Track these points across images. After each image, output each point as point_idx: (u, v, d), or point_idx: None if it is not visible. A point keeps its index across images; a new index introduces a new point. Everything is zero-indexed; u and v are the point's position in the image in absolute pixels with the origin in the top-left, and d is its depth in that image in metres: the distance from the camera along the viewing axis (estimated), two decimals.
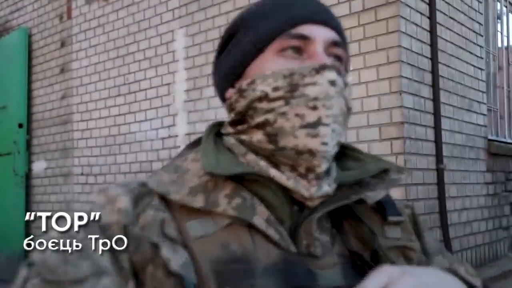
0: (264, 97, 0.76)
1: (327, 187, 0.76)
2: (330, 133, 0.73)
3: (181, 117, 4.77)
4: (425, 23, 3.79)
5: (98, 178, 5.55)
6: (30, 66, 6.50)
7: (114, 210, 0.71)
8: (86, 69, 5.75)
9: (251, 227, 0.72)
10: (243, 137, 0.80)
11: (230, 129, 0.83)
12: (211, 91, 4.48)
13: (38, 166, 6.39)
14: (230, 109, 0.83)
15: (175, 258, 0.67)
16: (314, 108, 0.73)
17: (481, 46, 4.70)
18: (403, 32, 3.51)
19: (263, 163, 0.77)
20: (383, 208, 0.82)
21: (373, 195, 0.78)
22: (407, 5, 3.58)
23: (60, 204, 6.01)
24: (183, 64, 4.76)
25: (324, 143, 0.73)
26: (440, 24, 3.97)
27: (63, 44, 6.08)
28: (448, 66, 4.09)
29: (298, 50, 0.78)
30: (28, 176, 6.46)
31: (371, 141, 3.54)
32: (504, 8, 5.61)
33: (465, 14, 4.43)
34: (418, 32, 3.70)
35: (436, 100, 3.80)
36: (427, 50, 3.79)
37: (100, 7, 5.61)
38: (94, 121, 5.64)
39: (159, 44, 4.99)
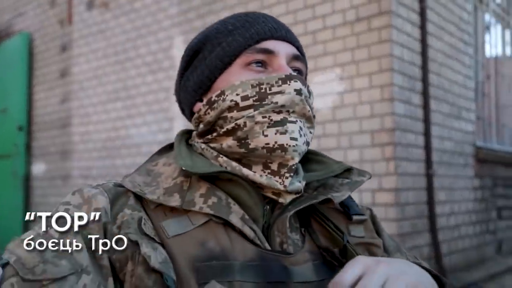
0: (234, 106, 0.79)
1: (298, 183, 0.80)
2: (298, 129, 0.78)
3: (179, 121, 4.86)
4: (417, 33, 3.90)
5: (96, 181, 5.61)
6: (31, 70, 6.58)
7: (91, 210, 0.73)
8: (86, 73, 5.84)
9: (226, 225, 0.74)
10: (213, 145, 0.83)
11: (198, 140, 0.87)
12: None
13: (38, 168, 6.46)
14: (199, 121, 0.86)
15: (155, 255, 0.68)
16: (279, 112, 0.78)
17: (470, 56, 4.82)
18: (395, 42, 3.62)
19: (235, 164, 0.79)
20: (347, 208, 0.85)
21: (339, 195, 0.82)
22: (399, 15, 3.69)
23: None
24: None
25: (294, 138, 0.77)
26: (431, 34, 4.08)
27: (63, 49, 6.17)
28: (438, 75, 4.20)
29: (263, 64, 0.82)
30: (27, 178, 6.53)
31: (363, 147, 3.64)
32: (493, 19, 5.75)
33: (455, 25, 4.55)
34: (410, 42, 3.81)
35: (426, 107, 3.90)
36: (418, 59, 3.90)
37: (101, 13, 5.72)
38: (93, 124, 5.73)
39: (158, 50, 5.09)
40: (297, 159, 0.78)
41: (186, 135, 0.90)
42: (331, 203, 0.82)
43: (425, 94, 3.91)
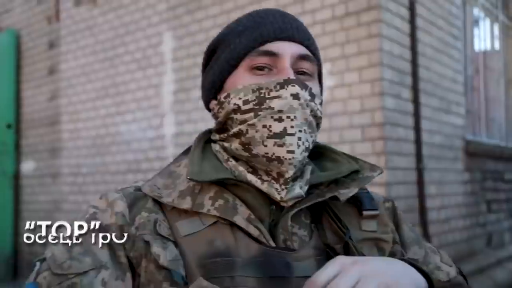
0: (237, 109, 0.84)
1: (299, 190, 0.83)
2: (296, 141, 0.80)
3: (169, 118, 4.84)
4: (406, 28, 3.91)
5: (86, 178, 5.60)
6: (18, 68, 6.53)
7: (113, 213, 0.82)
8: (75, 70, 5.80)
9: (233, 225, 0.80)
10: (226, 144, 0.88)
11: (216, 136, 0.92)
12: (198, 92, 4.55)
13: (27, 166, 6.41)
14: (215, 118, 0.91)
15: (165, 254, 0.76)
16: (280, 120, 0.80)
17: (459, 50, 4.84)
18: (385, 36, 3.63)
19: (242, 169, 0.85)
20: (360, 203, 0.89)
21: (346, 192, 0.85)
22: (388, 10, 3.69)
23: (49, 204, 6.04)
24: (171, 66, 4.84)
25: (290, 151, 0.80)
26: (420, 29, 4.09)
27: (51, 46, 6.12)
28: (428, 69, 4.22)
29: (267, 66, 0.85)
30: (16, 176, 6.49)
31: (354, 141, 3.65)
32: (481, 13, 5.78)
33: (444, 19, 4.57)
34: (399, 36, 3.81)
35: (416, 102, 3.91)
36: (407, 54, 3.90)
37: (88, 9, 5.67)
38: (82, 122, 5.69)
39: (147, 46, 5.06)
40: (291, 172, 0.81)
41: (207, 134, 0.95)
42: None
43: (414, 89, 3.92)
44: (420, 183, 3.92)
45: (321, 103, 0.87)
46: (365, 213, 0.88)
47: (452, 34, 4.71)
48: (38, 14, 6.33)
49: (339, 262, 0.68)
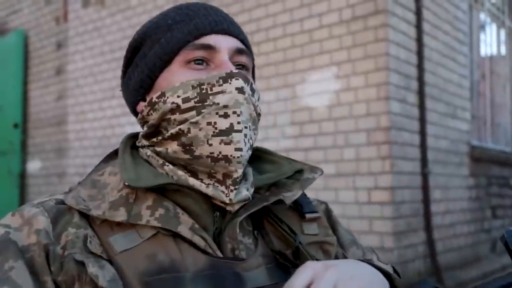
0: (176, 109, 0.76)
1: (246, 192, 0.78)
2: (243, 138, 0.75)
3: None
4: (412, 32, 3.92)
5: None
6: (26, 68, 6.57)
7: (32, 232, 0.70)
8: (82, 71, 5.83)
9: (176, 236, 0.72)
10: (159, 149, 0.80)
11: (144, 142, 0.83)
12: None
13: (33, 166, 6.45)
14: (143, 122, 0.83)
15: (103, 274, 0.66)
16: (225, 115, 0.74)
17: (465, 55, 4.84)
18: (391, 41, 3.63)
19: (181, 173, 0.77)
20: (300, 206, 0.85)
21: (291, 195, 0.81)
22: (395, 14, 3.70)
23: None
24: None
25: (238, 149, 0.74)
26: (427, 33, 4.10)
27: (59, 47, 6.16)
28: (434, 74, 4.22)
29: (204, 61, 0.79)
30: (22, 175, 6.52)
31: (359, 145, 3.65)
32: (488, 18, 5.77)
33: (450, 24, 4.57)
34: (405, 41, 3.82)
35: (422, 106, 3.92)
36: (413, 58, 3.91)
37: (96, 11, 5.71)
38: (89, 122, 5.72)
39: None
40: (240, 171, 0.76)
41: (132, 139, 0.87)
42: (283, 202, 0.81)
43: (420, 93, 3.92)
44: (425, 188, 3.92)
45: (258, 99, 0.82)
46: (307, 216, 0.84)
47: (458, 39, 4.71)
48: (46, 14, 6.37)
49: (311, 268, 0.62)
